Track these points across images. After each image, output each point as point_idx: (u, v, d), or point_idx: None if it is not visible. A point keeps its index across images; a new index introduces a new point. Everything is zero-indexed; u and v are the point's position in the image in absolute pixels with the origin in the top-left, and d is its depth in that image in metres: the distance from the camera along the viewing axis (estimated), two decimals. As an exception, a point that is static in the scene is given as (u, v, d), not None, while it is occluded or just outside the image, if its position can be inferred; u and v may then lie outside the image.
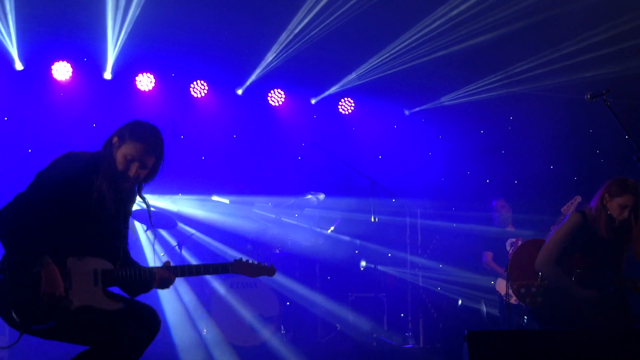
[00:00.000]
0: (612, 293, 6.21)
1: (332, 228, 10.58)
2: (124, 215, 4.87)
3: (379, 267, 10.77)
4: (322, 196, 10.19)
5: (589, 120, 11.72)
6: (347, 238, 10.86)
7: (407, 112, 12.02)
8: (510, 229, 10.38)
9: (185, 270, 5.04)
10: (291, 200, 10.26)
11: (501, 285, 9.66)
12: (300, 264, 10.15)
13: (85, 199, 4.60)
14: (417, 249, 10.91)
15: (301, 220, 10.52)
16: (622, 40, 9.84)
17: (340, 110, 11.60)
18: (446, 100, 11.64)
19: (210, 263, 5.21)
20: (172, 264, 5.03)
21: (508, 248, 9.97)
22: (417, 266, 10.82)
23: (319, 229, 10.45)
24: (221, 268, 5.16)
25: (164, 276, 4.86)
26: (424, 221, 10.93)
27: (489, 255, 10.14)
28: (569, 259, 6.33)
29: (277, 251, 9.89)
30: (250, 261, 5.35)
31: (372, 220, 9.96)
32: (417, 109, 11.93)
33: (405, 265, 10.84)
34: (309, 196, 10.14)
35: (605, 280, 6.21)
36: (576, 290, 6.18)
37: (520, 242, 9.80)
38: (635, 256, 6.34)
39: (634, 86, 10.78)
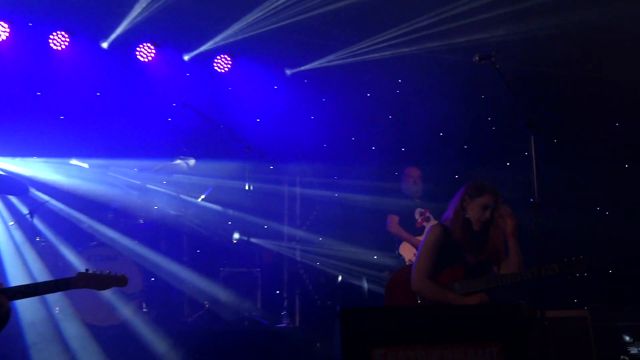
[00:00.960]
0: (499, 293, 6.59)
1: (203, 196, 10.54)
2: None
3: (254, 240, 10.71)
4: (192, 161, 10.15)
5: (480, 85, 11.87)
6: (219, 208, 10.79)
7: (288, 72, 12.01)
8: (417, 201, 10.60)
9: (21, 293, 4.89)
10: (159, 165, 10.17)
11: (406, 250, 9.94)
12: (167, 236, 10.11)
13: None
14: (296, 221, 11.18)
15: (169, 188, 10.40)
16: (515, 2, 10.01)
17: (216, 68, 11.54)
18: (331, 60, 11.56)
19: (50, 280, 5.07)
20: (5, 285, 4.89)
21: (417, 217, 10.17)
22: (295, 239, 11.00)
23: (188, 197, 10.39)
24: (63, 284, 5.03)
25: None
26: (303, 190, 11.19)
27: (394, 219, 10.21)
28: (441, 276, 6.51)
29: (141, 221, 9.85)
30: (98, 272, 5.26)
31: (247, 188, 9.97)
32: (300, 69, 11.90)
33: (282, 238, 11.02)
34: (178, 161, 10.08)
35: (488, 284, 6.40)
36: (457, 299, 6.35)
37: (428, 214, 10.24)
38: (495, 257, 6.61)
39: (524, 49, 10.98)
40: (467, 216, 6.63)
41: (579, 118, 11.81)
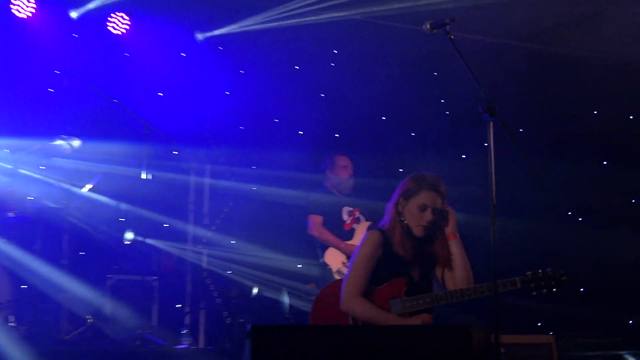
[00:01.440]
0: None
1: (89, 186, 10.18)
2: None
3: (150, 241, 10.54)
4: (77, 142, 9.83)
5: (432, 60, 11.94)
6: (108, 200, 10.46)
7: (199, 37, 11.90)
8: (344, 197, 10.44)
9: None
10: (35, 145, 9.81)
11: (332, 258, 9.91)
12: (44, 234, 9.79)
13: None
14: (203, 219, 11.11)
15: (48, 174, 10.02)
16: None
17: (110, 29, 11.31)
18: (252, 24, 11.45)
19: None
20: None
21: (345, 217, 10.16)
22: (202, 241, 10.97)
23: (71, 187, 10.03)
24: None
25: None
26: (214, 181, 11.18)
27: (316, 220, 10.10)
28: (378, 292, 6.49)
29: (12, 215, 9.48)
30: None
31: (144, 177, 9.78)
32: (213, 33, 11.80)
33: (185, 239, 11.00)
34: (60, 141, 9.79)
35: (435, 302, 6.38)
36: (396, 320, 6.34)
37: (358, 213, 10.23)
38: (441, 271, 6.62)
39: (487, 18, 11.27)
40: (405, 221, 6.54)
41: (550, 103, 12.05)
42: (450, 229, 6.56)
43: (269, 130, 12.05)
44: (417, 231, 6.53)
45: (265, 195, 11.54)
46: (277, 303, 10.37)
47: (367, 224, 10.10)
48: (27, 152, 9.94)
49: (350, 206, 10.23)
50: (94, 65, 10.98)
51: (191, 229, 11.12)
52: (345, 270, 8.83)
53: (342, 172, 10.40)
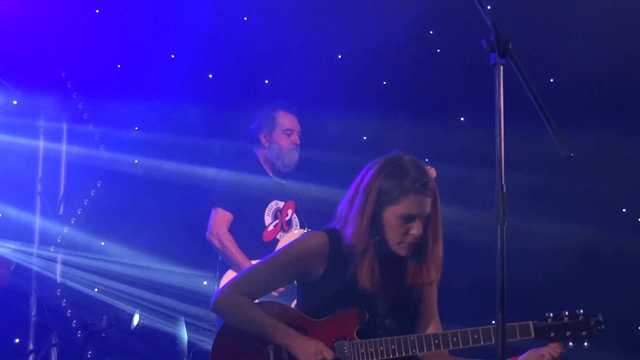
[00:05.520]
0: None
1: None
2: None
3: None
4: None
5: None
6: None
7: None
8: (279, 180, 9.60)
9: None
10: None
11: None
12: None
13: None
14: (58, 208, 10.97)
15: None
16: None
17: None
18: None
19: None
20: None
21: (268, 218, 9.43)
22: (55, 242, 10.76)
23: None
24: None
25: None
26: (73, 148, 10.97)
27: (222, 217, 9.30)
28: (316, 328, 6.07)
29: None
30: None
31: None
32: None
33: (30, 238, 10.81)
34: None
35: (393, 351, 5.91)
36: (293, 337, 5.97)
37: (291, 213, 9.61)
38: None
39: None
40: (378, 237, 5.87)
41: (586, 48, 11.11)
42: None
43: (160, 66, 11.60)
44: (400, 249, 5.86)
45: (154, 171, 11.21)
46: (170, 338, 10.44)
47: (301, 233, 9.32)
48: None
49: (281, 198, 9.44)
50: None
51: (38, 222, 10.88)
52: None
53: (284, 138, 9.53)
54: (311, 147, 10.15)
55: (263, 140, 9.58)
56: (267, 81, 12.19)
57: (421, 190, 5.78)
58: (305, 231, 9.44)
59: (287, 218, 9.44)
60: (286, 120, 9.61)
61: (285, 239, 9.32)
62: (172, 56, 12.02)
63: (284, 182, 9.54)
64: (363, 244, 5.91)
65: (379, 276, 5.96)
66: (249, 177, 9.52)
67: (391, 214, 5.83)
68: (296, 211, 9.55)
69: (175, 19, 11.89)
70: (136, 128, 11.52)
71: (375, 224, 5.91)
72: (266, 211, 9.42)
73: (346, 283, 5.98)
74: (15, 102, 10.91)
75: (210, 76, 12.07)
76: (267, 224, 9.37)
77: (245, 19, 12.16)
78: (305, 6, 12.00)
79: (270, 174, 9.53)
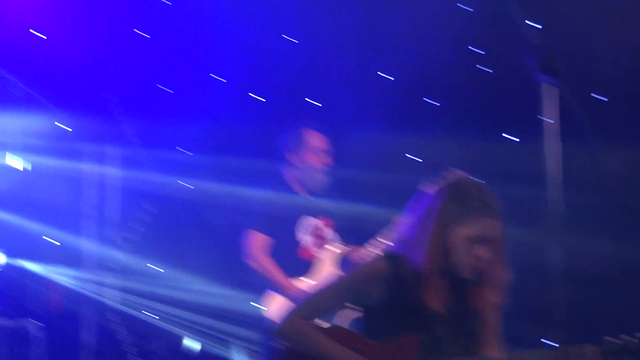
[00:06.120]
0: None
1: None
2: None
3: (27, 265, 10.83)
4: None
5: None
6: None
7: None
8: (312, 199, 9.76)
9: None
10: None
11: (274, 307, 9.22)
12: None
13: None
14: (110, 232, 11.14)
15: None
16: None
17: None
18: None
19: None
20: None
21: (305, 236, 9.54)
22: (109, 267, 11.03)
23: None
24: None
25: None
26: (126, 172, 11.22)
27: (257, 240, 9.43)
28: (373, 349, 6.02)
29: None
30: None
31: (18, 165, 10.52)
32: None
33: (80, 263, 11.00)
34: None
35: None
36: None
37: (329, 231, 9.64)
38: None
39: None
40: (446, 259, 5.91)
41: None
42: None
43: (205, 89, 11.93)
44: (466, 273, 5.88)
45: (211, 195, 11.48)
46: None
47: (343, 251, 9.60)
48: None
49: (316, 215, 9.57)
50: None
51: (84, 245, 11.05)
52: None
53: (313, 157, 9.71)
54: (347, 164, 10.44)
55: (293, 159, 9.83)
56: (307, 99, 12.38)
57: (490, 213, 5.84)
58: (348, 249, 9.68)
59: (324, 236, 9.58)
60: (316, 140, 9.85)
61: (327, 257, 9.59)
62: (224, 80, 12.34)
63: (317, 200, 9.78)
64: (430, 267, 5.99)
65: (447, 299, 6.04)
66: (281, 196, 9.79)
67: (459, 236, 5.88)
68: (333, 228, 9.71)
69: (218, 40, 12.23)
70: (191, 153, 11.94)
71: (442, 246, 6.00)
72: (302, 229, 9.60)
73: (410, 307, 6.07)
74: (70, 130, 11.21)
75: (255, 96, 12.39)
76: (304, 242, 9.54)
77: (296, 41, 12.47)
78: (344, 26, 12.37)
79: (303, 193, 9.80)
